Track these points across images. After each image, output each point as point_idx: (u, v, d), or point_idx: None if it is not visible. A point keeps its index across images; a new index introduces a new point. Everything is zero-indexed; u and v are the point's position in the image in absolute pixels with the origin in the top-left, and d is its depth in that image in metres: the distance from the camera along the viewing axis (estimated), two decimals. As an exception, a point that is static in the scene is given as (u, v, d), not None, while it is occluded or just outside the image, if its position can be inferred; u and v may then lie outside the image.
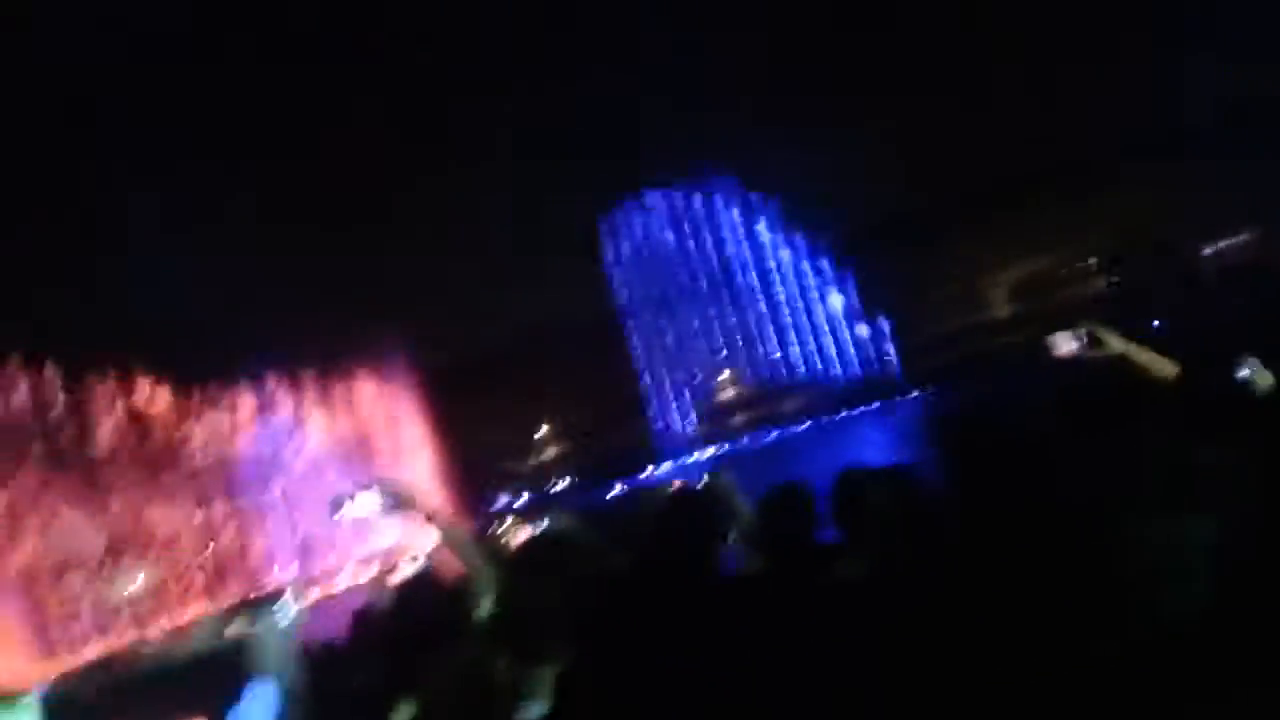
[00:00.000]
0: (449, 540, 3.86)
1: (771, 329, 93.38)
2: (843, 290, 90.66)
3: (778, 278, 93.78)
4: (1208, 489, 1.74)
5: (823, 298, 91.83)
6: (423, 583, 3.69)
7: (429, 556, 5.15)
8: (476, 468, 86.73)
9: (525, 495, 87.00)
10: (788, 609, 2.72)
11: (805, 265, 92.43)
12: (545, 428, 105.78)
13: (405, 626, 3.24)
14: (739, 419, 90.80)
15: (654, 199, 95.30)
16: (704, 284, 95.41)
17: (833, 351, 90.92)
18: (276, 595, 4.02)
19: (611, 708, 2.57)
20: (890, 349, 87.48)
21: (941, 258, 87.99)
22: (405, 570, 5.44)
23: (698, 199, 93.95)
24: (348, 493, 3.94)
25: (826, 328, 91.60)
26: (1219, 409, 3.24)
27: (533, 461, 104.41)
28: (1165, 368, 3.38)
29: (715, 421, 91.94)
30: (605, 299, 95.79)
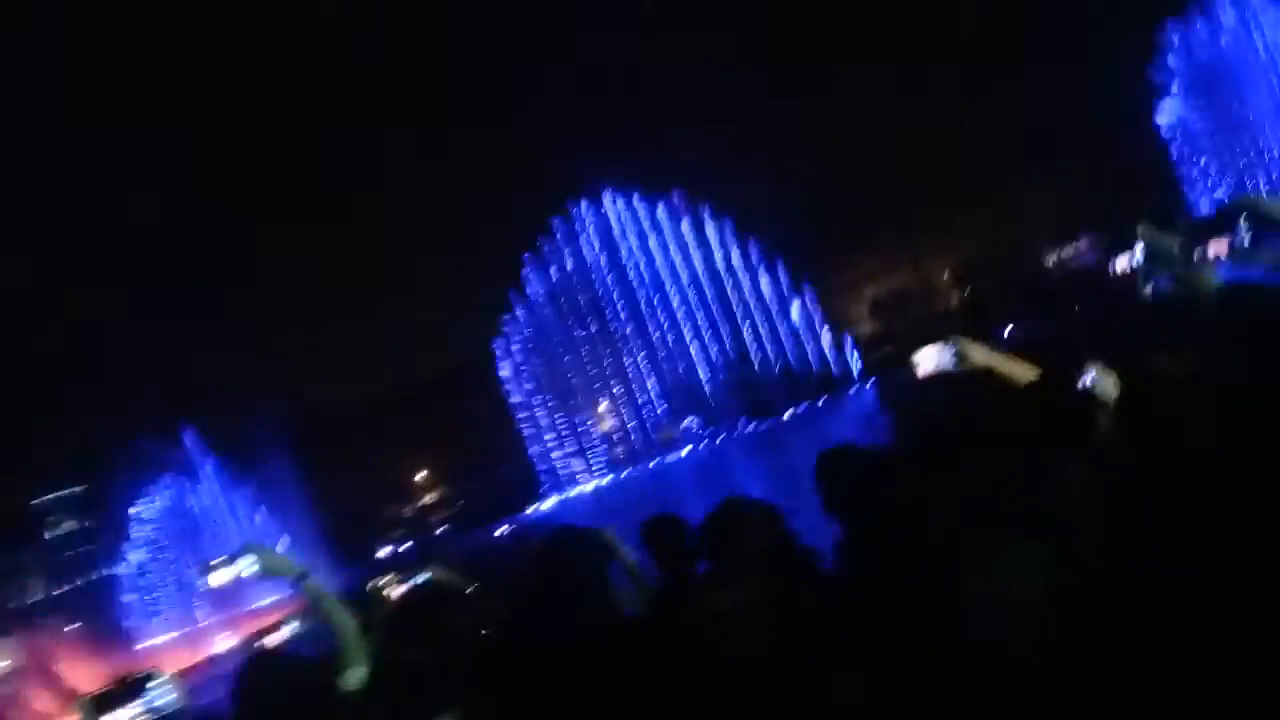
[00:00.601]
0: (318, 605, 3.78)
1: (644, 356, 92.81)
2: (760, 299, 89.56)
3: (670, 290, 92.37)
4: (1054, 514, 1.82)
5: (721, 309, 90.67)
6: (287, 652, 3.60)
7: (303, 620, 5.01)
8: (356, 517, 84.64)
9: (407, 542, 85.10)
10: (664, 645, 2.73)
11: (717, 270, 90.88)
12: (424, 472, 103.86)
13: (270, 701, 3.15)
14: (621, 449, 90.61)
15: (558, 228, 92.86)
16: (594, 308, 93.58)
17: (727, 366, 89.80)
18: (153, 672, 3.85)
19: None
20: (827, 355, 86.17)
21: (800, 279, 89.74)
22: (277, 636, 5.30)
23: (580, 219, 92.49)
24: (218, 558, 3.87)
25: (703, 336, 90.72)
26: (1069, 418, 3.39)
27: (413, 507, 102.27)
28: (1027, 374, 3.52)
29: (600, 452, 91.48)
30: (481, 341, 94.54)
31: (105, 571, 74.03)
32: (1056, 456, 3.11)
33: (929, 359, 3.63)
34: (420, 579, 4.55)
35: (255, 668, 3.44)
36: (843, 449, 3.51)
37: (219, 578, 3.82)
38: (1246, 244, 3.77)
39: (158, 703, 3.56)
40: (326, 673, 3.44)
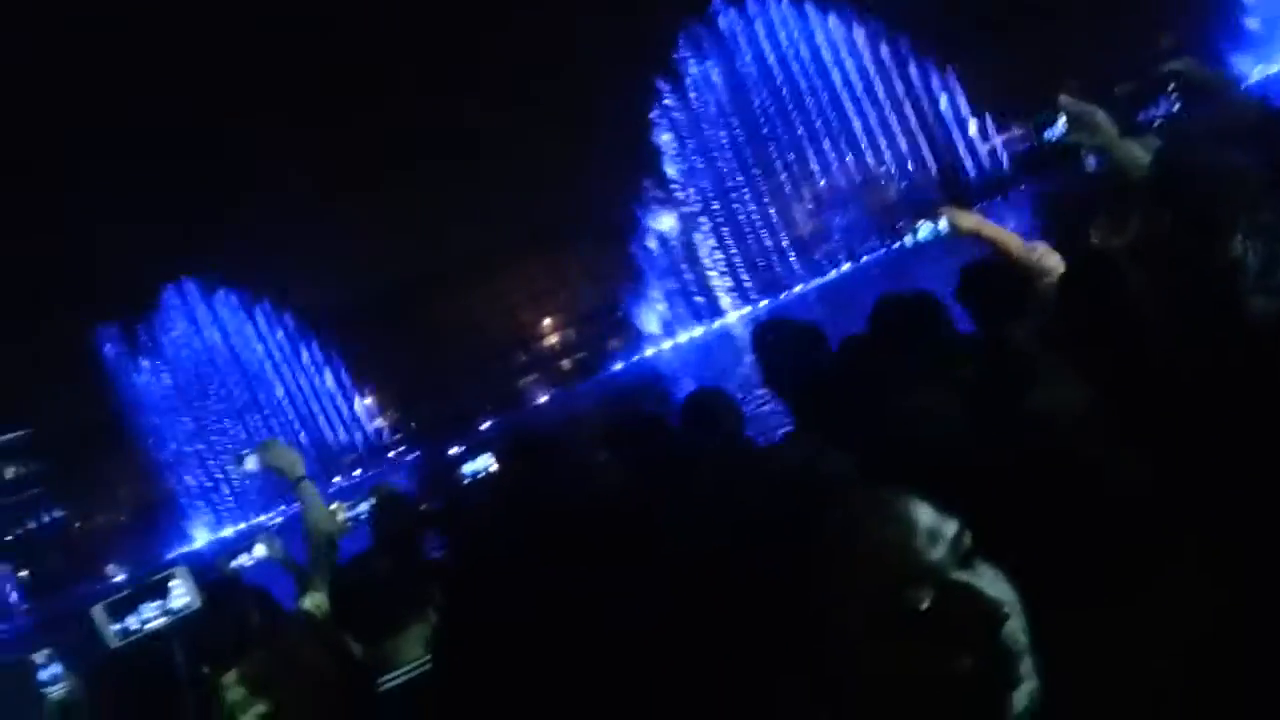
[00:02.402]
0: (306, 512, 3.80)
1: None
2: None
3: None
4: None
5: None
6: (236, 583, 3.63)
7: (269, 543, 4.99)
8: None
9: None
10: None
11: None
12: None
13: (211, 638, 3.17)
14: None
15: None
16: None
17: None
18: (174, 572, 3.89)
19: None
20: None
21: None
22: (255, 553, 5.35)
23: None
24: (243, 451, 4.17)
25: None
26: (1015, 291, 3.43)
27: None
28: (1011, 241, 3.59)
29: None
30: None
31: (55, 514, 73.65)
32: (1002, 326, 3.18)
33: (920, 229, 3.72)
34: (366, 504, 4.53)
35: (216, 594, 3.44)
36: (776, 321, 3.56)
37: (244, 468, 4.08)
38: (1174, 111, 3.75)
39: (175, 604, 3.55)
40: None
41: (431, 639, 2.53)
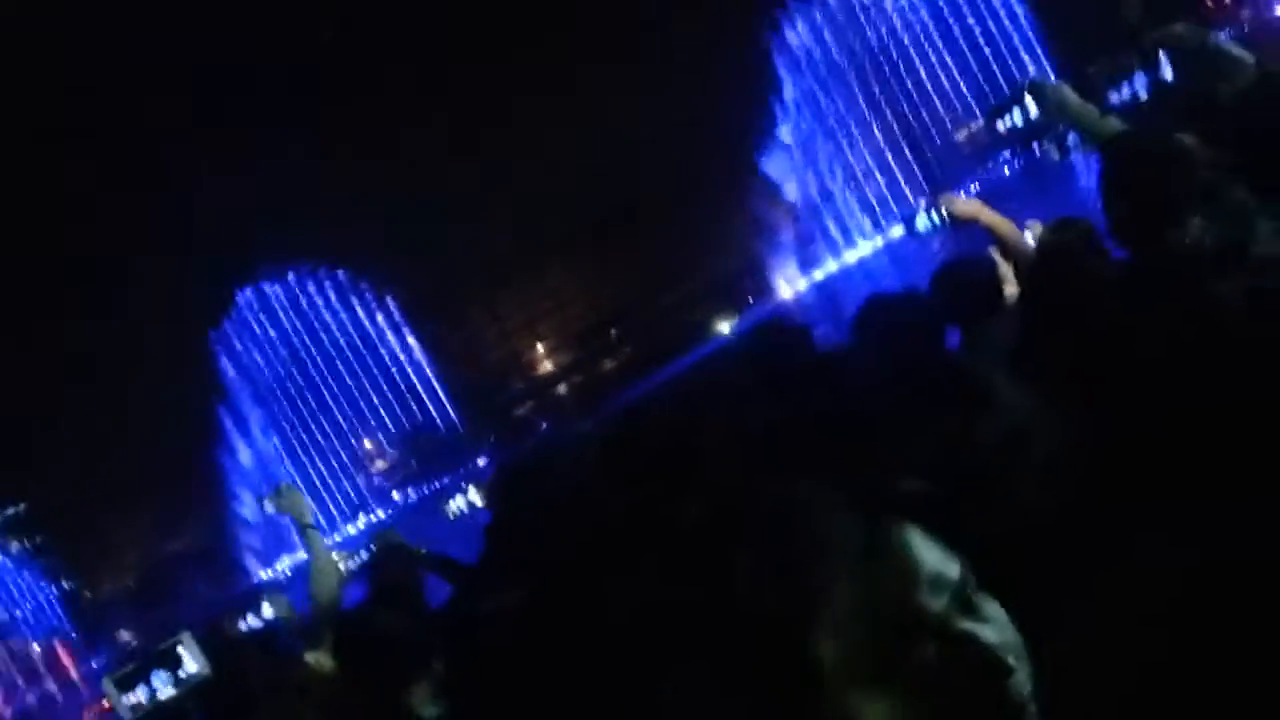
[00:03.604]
0: (312, 561, 3.84)
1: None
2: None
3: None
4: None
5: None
6: (247, 645, 3.67)
7: (274, 603, 5.04)
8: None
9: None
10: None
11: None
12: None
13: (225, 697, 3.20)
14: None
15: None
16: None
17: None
18: (182, 639, 3.91)
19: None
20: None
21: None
22: (264, 613, 5.38)
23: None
24: (272, 488, 4.26)
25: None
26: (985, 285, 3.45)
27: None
28: (1007, 225, 3.63)
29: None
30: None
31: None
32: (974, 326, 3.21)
33: (918, 219, 3.73)
34: (367, 553, 4.58)
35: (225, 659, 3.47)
36: (769, 323, 3.53)
37: (270, 507, 4.13)
38: (1160, 87, 3.67)
39: (184, 672, 3.52)
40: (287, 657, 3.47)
41: (438, 689, 2.54)
